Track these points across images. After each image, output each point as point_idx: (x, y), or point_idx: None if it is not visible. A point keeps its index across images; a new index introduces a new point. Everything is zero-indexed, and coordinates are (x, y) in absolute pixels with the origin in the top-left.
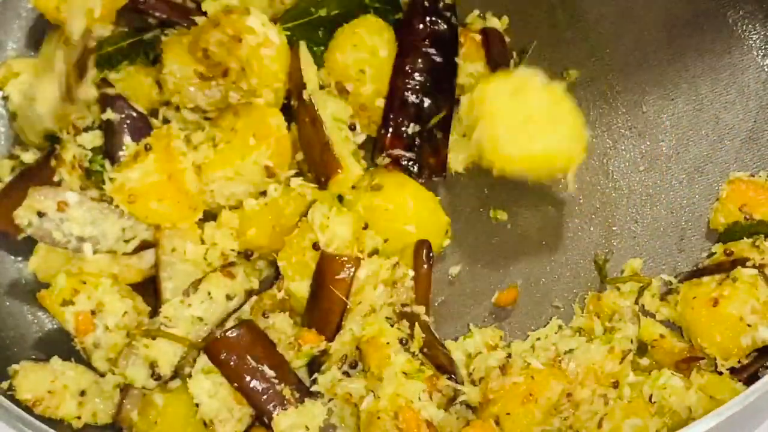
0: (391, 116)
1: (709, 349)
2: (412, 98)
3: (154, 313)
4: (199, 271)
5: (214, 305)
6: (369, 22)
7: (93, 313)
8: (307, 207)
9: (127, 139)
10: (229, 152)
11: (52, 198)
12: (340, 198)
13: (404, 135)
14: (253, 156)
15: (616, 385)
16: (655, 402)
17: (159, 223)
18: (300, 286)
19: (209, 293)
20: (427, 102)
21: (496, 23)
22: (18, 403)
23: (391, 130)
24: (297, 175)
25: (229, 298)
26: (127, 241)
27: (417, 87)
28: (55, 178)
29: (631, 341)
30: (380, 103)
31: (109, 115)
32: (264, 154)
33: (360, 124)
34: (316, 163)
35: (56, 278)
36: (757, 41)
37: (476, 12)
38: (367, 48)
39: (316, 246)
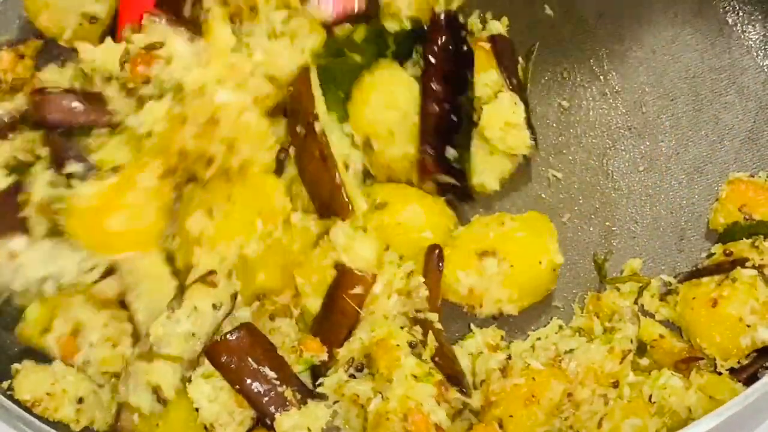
0: (428, 141)
1: (709, 349)
2: (443, 122)
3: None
4: (168, 287)
5: (202, 317)
6: (401, 79)
7: (75, 333)
8: (317, 237)
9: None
10: (232, 226)
11: None
12: None
13: (441, 159)
14: (257, 234)
15: (616, 384)
16: (654, 402)
17: (116, 254)
18: (315, 303)
19: (194, 306)
20: (455, 123)
21: (497, 25)
22: (17, 402)
23: (431, 153)
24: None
25: (215, 307)
26: (89, 271)
27: (447, 110)
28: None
29: (631, 341)
30: (403, 163)
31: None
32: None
33: (373, 172)
34: (322, 201)
35: (27, 311)
36: (757, 41)
37: (476, 12)
38: (399, 109)
39: (338, 267)
